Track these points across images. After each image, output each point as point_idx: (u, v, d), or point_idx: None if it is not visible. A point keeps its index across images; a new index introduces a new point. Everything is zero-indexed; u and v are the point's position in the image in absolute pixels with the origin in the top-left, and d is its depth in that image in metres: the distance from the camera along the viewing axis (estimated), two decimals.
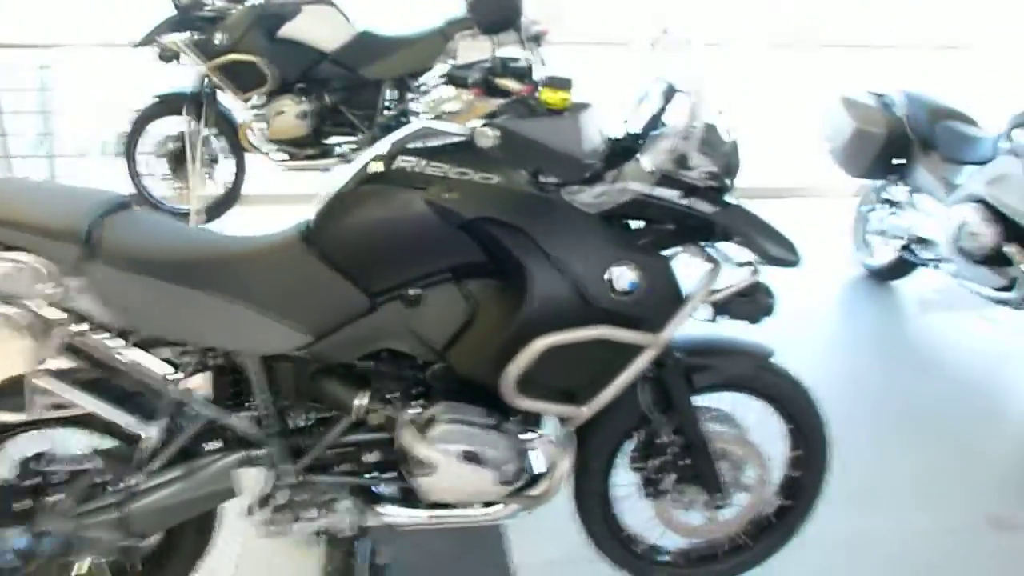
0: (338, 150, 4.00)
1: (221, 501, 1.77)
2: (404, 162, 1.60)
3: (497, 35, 3.49)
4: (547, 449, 1.71)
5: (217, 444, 1.77)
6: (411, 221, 1.59)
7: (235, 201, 4.14)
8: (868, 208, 4.29)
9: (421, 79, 3.98)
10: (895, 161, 3.94)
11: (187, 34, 3.72)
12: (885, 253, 4.25)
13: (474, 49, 3.77)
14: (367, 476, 1.79)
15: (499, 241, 1.58)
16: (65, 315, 1.59)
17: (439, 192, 1.57)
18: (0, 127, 5.71)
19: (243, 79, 3.73)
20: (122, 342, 1.64)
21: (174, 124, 4.05)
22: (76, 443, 1.80)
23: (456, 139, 1.64)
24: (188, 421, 1.71)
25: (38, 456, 1.78)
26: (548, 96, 1.59)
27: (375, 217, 1.60)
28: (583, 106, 1.61)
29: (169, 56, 3.72)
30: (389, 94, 3.93)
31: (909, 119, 3.82)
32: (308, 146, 3.91)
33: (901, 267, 4.17)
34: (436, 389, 1.71)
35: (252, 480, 1.74)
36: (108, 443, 1.79)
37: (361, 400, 1.66)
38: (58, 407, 1.63)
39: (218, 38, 3.65)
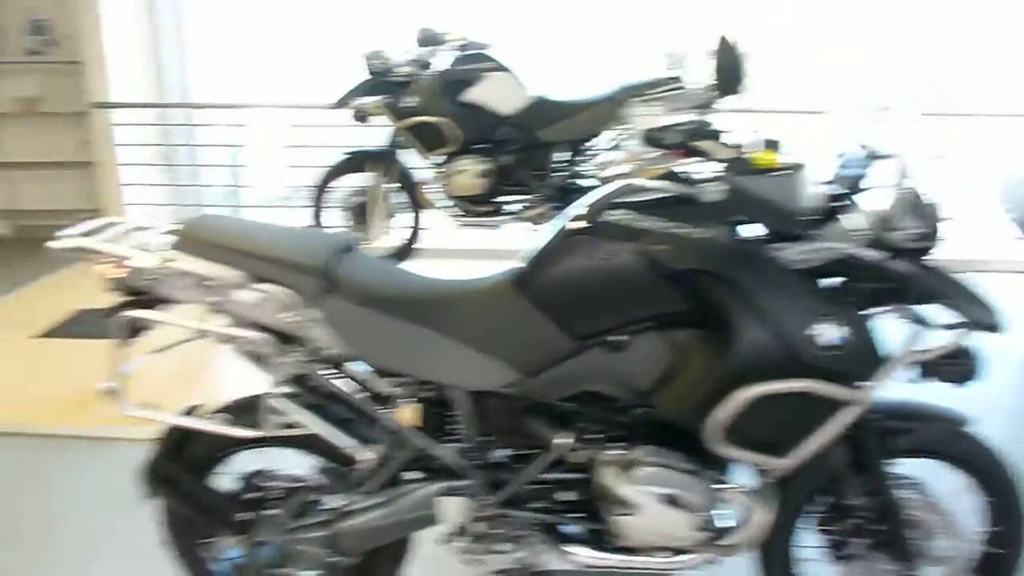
0: (509, 208, 4.19)
1: (421, 527, 1.88)
2: (613, 216, 1.70)
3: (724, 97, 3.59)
4: (743, 499, 1.74)
5: (416, 473, 1.88)
6: (620, 272, 1.68)
7: (410, 253, 4.40)
8: None
9: (592, 143, 4.13)
10: None
11: (380, 97, 4.03)
12: None
13: (645, 115, 3.89)
14: (559, 514, 1.86)
15: (707, 292, 1.64)
16: (299, 343, 1.78)
17: (648, 244, 1.66)
18: (196, 178, 6.33)
19: (428, 139, 3.99)
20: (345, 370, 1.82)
21: (359, 179, 4.37)
22: (289, 462, 1.97)
23: (661, 195, 1.73)
24: (399, 448, 1.84)
25: (258, 472, 1.96)
26: (760, 157, 1.66)
27: (585, 266, 1.71)
28: (798, 166, 1.67)
29: (363, 116, 4.04)
30: (560, 156, 4.10)
31: None
32: (482, 204, 4.12)
33: None
34: (635, 432, 1.78)
35: (454, 509, 1.84)
36: (322, 464, 1.95)
37: (563, 439, 1.75)
38: (287, 427, 1.80)
39: (409, 101, 3.95)
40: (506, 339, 1.75)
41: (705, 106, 3.93)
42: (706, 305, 1.66)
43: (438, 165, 4.09)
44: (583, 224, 1.74)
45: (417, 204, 4.29)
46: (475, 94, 3.99)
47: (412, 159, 4.27)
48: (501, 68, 4.01)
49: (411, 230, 4.35)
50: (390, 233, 4.32)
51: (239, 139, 6.15)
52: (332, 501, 1.90)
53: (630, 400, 1.75)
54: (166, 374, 1.96)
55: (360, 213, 4.31)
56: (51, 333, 4.23)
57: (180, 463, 1.91)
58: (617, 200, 1.73)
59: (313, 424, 1.77)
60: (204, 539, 2.01)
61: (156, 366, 1.91)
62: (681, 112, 3.95)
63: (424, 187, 4.18)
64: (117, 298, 1.82)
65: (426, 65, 4.06)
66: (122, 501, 2.69)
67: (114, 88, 5.44)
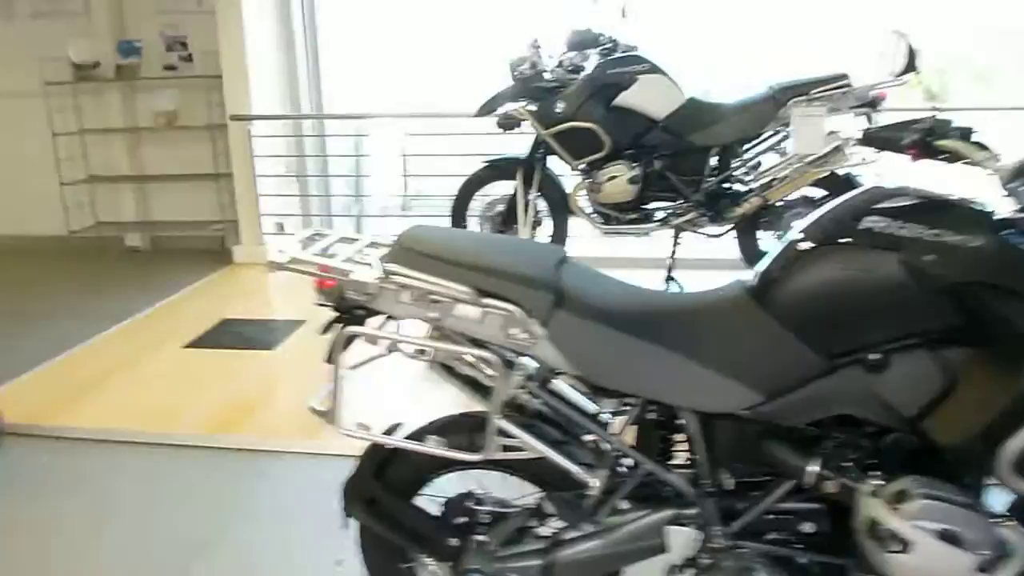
0: (657, 215, 4.04)
1: (644, 558, 1.76)
2: (872, 223, 1.54)
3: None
4: (1018, 535, 1.54)
5: (626, 500, 1.76)
6: (881, 283, 1.52)
7: None
8: None
9: (746, 146, 3.95)
10: None
11: (526, 103, 3.94)
12: None
13: (808, 115, 3.69)
14: (797, 547, 1.70)
15: (987, 306, 1.47)
16: (525, 361, 1.68)
17: (915, 254, 1.50)
18: (326, 188, 6.39)
19: (577, 145, 3.88)
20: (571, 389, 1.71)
21: (499, 188, 4.30)
22: (493, 485, 1.88)
23: (925, 200, 1.56)
24: (627, 474, 1.72)
25: (467, 495, 1.86)
26: None
27: (839, 279, 1.55)
28: None
29: (510, 124, 3.96)
30: (713, 161, 3.93)
31: None
32: (630, 211, 3.98)
33: None
34: (888, 459, 1.61)
35: (684, 539, 1.71)
36: (532, 489, 1.84)
37: (814, 466, 1.59)
38: (508, 449, 1.70)
39: (559, 107, 3.84)
40: (747, 358, 1.61)
41: (872, 105, 3.72)
42: (984, 320, 1.48)
43: (585, 172, 3.97)
44: (834, 233, 1.58)
45: (562, 212, 4.18)
46: (627, 98, 3.86)
47: (556, 167, 4.17)
48: (655, 70, 3.85)
49: (553, 238, 4.24)
50: None
51: (370, 148, 6.20)
52: (545, 528, 1.79)
53: (894, 424, 1.58)
54: (366, 391, 1.87)
55: (502, 223, 4.23)
56: (199, 343, 4.29)
57: (384, 484, 1.84)
58: (880, 206, 1.56)
59: (538, 448, 1.67)
60: (406, 563, 1.93)
61: (357, 383, 1.84)
62: (845, 112, 3.74)
63: (576, 194, 4.06)
64: (331, 313, 1.76)
65: (576, 69, 3.94)
66: (291, 514, 2.70)
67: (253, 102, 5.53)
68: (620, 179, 3.84)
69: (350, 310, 1.74)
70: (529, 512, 1.81)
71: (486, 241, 1.77)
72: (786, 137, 3.86)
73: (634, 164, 3.85)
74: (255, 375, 3.89)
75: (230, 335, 4.41)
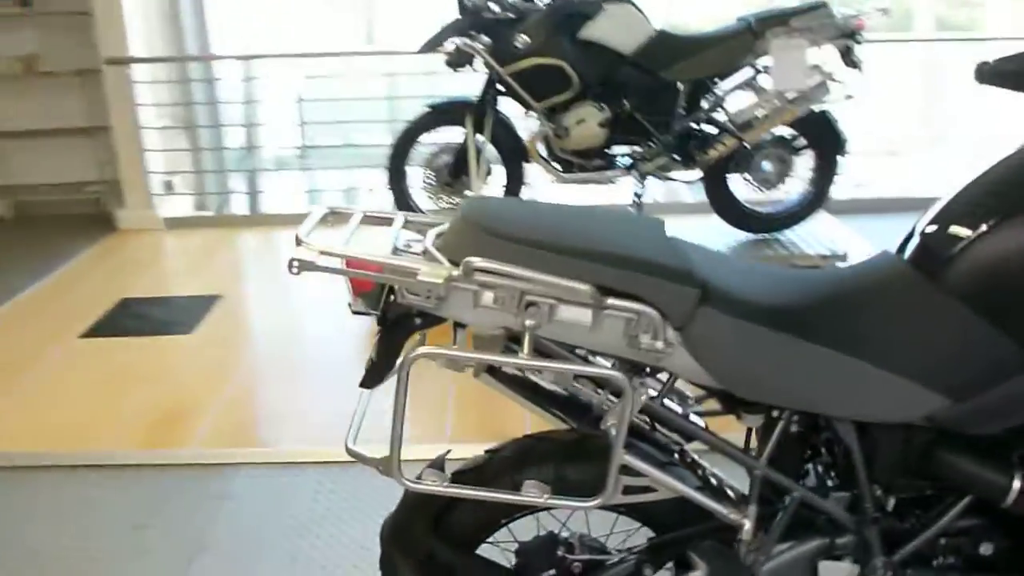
0: (623, 161, 3.68)
1: None
2: None
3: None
4: None
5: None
6: None
7: None
8: None
9: (720, 82, 3.62)
10: None
11: (478, 37, 3.45)
12: None
13: (789, 47, 3.39)
14: (972, 573, 1.42)
15: None
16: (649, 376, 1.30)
17: None
18: (219, 140, 5.69)
19: (541, 85, 3.44)
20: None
21: (445, 136, 3.82)
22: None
23: None
24: (772, 507, 1.38)
25: (550, 540, 1.49)
26: None
27: None
28: None
29: (460, 61, 3.47)
30: (683, 99, 3.58)
31: None
32: (595, 157, 3.60)
33: None
34: None
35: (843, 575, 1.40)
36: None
37: (1020, 481, 1.29)
38: (630, 491, 1.32)
39: (520, 41, 3.38)
40: (928, 354, 1.27)
41: (852, 35, 3.45)
42: None
43: (548, 115, 3.54)
44: None
45: (516, 161, 3.74)
46: (593, 30, 3.44)
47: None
48: None
49: (507, 189, 3.81)
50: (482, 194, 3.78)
51: (264, 94, 5.54)
52: (653, 571, 1.44)
53: None
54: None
55: (449, 174, 3.76)
56: (98, 331, 3.64)
57: (443, 535, 1.43)
58: None
59: (677, 487, 1.30)
60: None
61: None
62: (826, 43, 3.47)
63: (536, 141, 3.63)
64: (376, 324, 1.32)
65: None
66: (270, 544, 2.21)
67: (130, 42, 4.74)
68: (590, 123, 3.44)
69: (401, 318, 1.31)
70: (640, 559, 1.45)
71: (579, 217, 1.35)
72: (760, 72, 3.55)
73: (603, 105, 3.46)
74: (177, 368, 3.31)
75: (134, 319, 3.78)
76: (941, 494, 1.40)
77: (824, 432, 1.39)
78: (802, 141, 3.73)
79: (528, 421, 2.72)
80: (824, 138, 3.69)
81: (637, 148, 3.64)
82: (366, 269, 1.26)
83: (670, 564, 1.46)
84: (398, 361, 1.28)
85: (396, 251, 1.32)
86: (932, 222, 1.37)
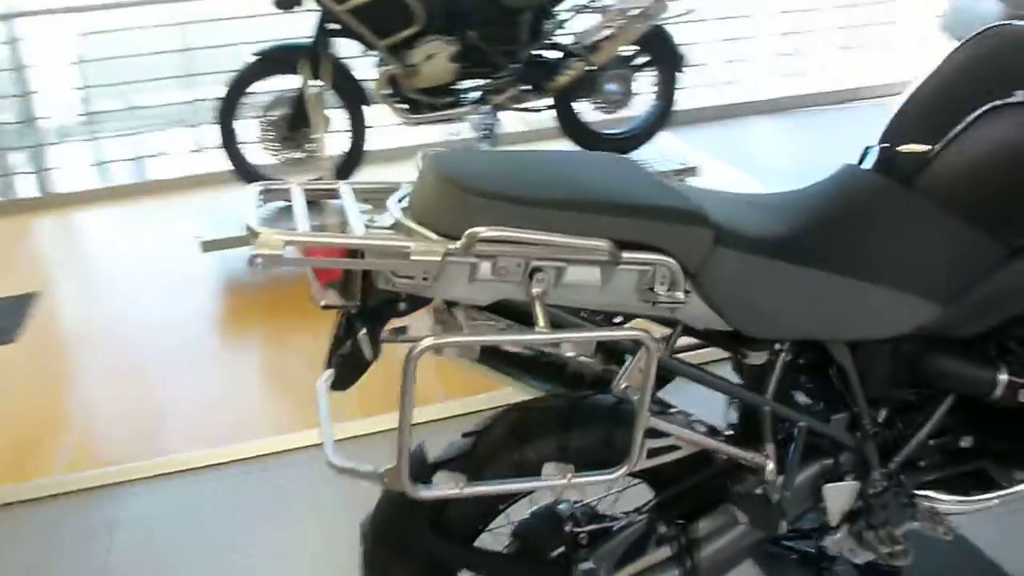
0: (471, 95, 3.51)
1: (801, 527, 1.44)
2: None
3: None
4: None
5: None
6: None
7: (359, 162, 3.61)
8: None
9: (558, 6, 3.51)
10: None
11: None
12: None
13: None
14: (954, 466, 1.47)
15: None
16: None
17: None
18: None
19: (383, 21, 3.18)
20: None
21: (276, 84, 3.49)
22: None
23: None
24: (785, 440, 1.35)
25: (549, 514, 1.39)
26: None
27: (1017, 141, 1.26)
28: None
29: (289, 2, 3.13)
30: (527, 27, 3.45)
31: None
32: (442, 94, 3.41)
33: None
34: None
35: (847, 495, 1.40)
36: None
37: (1004, 375, 1.33)
38: (654, 454, 1.24)
39: None
40: (917, 261, 1.27)
41: None
42: None
43: (391, 53, 3.28)
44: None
45: (358, 106, 3.48)
46: None
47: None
48: None
49: (352, 135, 3.54)
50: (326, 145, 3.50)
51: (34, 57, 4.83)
52: (666, 528, 1.38)
53: None
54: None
55: (288, 127, 3.44)
56: None
57: (443, 531, 1.30)
58: None
59: (704, 441, 1.23)
60: None
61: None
62: None
63: (384, 81, 3.37)
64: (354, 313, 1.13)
65: None
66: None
67: None
68: (440, 58, 3.23)
69: (383, 306, 1.13)
70: (652, 518, 1.38)
71: (560, 165, 1.21)
72: None
73: (450, 38, 3.26)
74: (7, 385, 2.85)
75: None
76: (925, 400, 1.42)
77: (819, 358, 1.36)
78: (643, 58, 3.72)
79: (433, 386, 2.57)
80: (664, 54, 3.70)
81: (483, 80, 3.49)
82: (338, 255, 1.06)
83: None
84: (381, 354, 1.11)
85: (372, 228, 1.13)
86: (897, 132, 1.36)
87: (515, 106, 3.57)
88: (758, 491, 1.30)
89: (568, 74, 3.49)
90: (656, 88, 3.81)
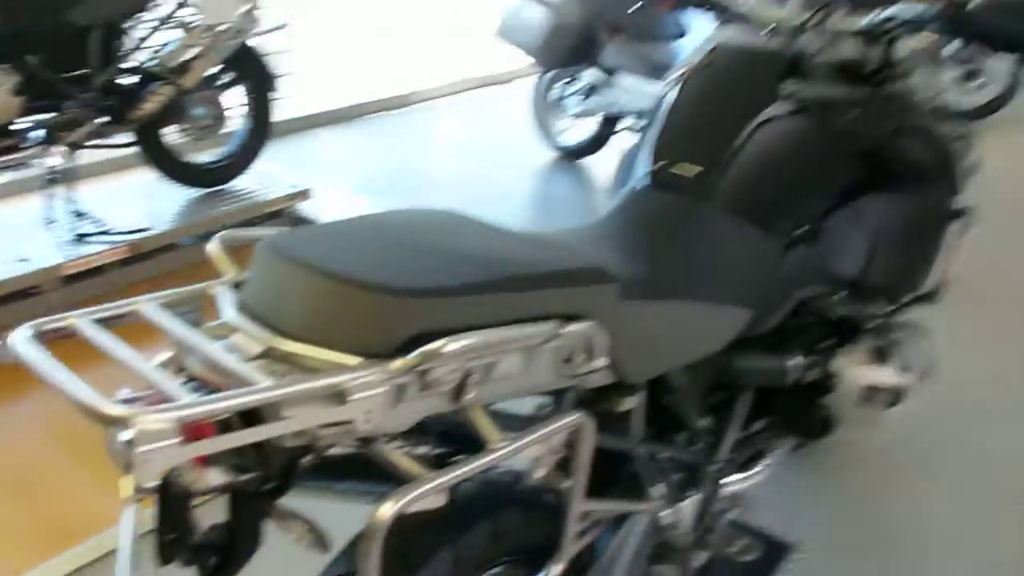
0: (35, 134, 2.85)
1: None
2: (789, 88, 1.41)
3: None
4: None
5: None
6: (815, 149, 1.43)
7: None
8: (559, 95, 4.63)
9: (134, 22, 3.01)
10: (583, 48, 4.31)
11: None
12: (582, 133, 4.69)
13: None
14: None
15: (899, 149, 1.50)
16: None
17: (839, 114, 1.44)
18: None
19: None
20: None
21: None
22: None
23: (836, 60, 1.48)
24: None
25: None
26: None
27: (780, 151, 1.40)
28: None
29: None
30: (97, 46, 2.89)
31: (602, 6, 4.18)
32: (2, 136, 2.71)
33: (598, 143, 4.67)
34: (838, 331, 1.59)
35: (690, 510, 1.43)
36: None
37: (797, 360, 1.48)
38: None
39: None
40: (731, 273, 1.35)
41: None
42: (885, 162, 1.51)
43: None
44: (767, 100, 1.40)
45: None
46: None
47: None
48: None
49: None
50: None
51: None
52: None
53: (840, 292, 1.54)
54: None
55: None
56: None
57: None
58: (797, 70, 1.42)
59: (637, 507, 1.17)
60: None
61: None
62: None
63: None
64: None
65: None
66: None
67: None
68: (2, 91, 2.54)
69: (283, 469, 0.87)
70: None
71: (409, 231, 1.00)
72: (182, 6, 3.06)
73: (6, 67, 2.58)
74: None
75: None
76: (730, 399, 1.52)
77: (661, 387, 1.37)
78: (230, 76, 3.39)
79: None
80: (253, 72, 3.41)
81: (49, 115, 2.85)
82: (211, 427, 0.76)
83: None
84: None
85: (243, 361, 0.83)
86: (667, 151, 1.40)
87: (93, 142, 2.99)
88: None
89: (154, 100, 3.02)
90: (248, 109, 3.50)
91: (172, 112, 3.19)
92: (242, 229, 1.08)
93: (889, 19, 1.48)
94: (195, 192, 3.42)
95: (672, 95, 1.51)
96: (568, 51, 4.25)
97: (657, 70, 4.13)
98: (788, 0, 1.65)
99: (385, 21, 6.62)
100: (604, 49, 4.27)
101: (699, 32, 3.87)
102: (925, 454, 2.22)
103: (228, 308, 0.91)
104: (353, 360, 0.82)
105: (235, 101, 3.46)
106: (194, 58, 3.07)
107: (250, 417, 0.77)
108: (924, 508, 2.04)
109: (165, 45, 3.09)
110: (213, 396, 0.73)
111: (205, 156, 3.50)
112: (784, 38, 1.60)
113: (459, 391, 0.89)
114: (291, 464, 0.85)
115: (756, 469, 1.67)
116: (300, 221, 3.52)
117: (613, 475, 1.30)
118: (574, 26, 4.17)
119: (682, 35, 4.19)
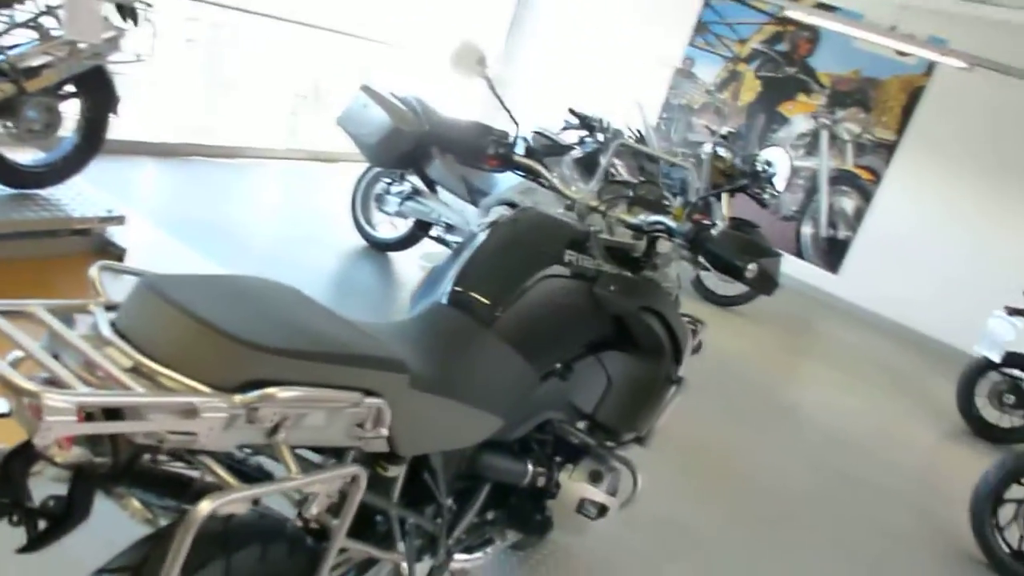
0: None
1: None
2: (572, 256, 1.83)
3: None
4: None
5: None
6: (581, 307, 1.84)
7: None
8: (380, 191, 4.97)
9: None
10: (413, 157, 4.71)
11: None
12: (392, 229, 5.03)
13: None
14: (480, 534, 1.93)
15: (639, 321, 1.94)
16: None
17: (605, 284, 1.86)
18: None
19: None
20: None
21: None
22: None
23: (612, 243, 1.93)
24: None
25: None
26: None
27: (555, 302, 1.80)
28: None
29: None
30: None
31: (431, 124, 4.61)
32: None
33: (406, 242, 5.02)
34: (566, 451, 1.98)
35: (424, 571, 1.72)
36: None
37: (531, 466, 1.84)
38: None
39: None
40: (494, 386, 1.70)
41: None
42: (630, 329, 1.94)
43: None
44: (554, 260, 1.80)
45: None
46: None
47: None
48: None
49: None
50: None
51: None
52: None
53: (577, 420, 1.93)
54: None
55: None
56: None
57: None
58: (582, 244, 1.84)
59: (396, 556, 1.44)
60: None
61: None
62: None
63: None
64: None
65: None
66: None
67: None
68: None
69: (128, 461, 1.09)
70: None
71: (263, 298, 1.26)
72: (46, 13, 3.11)
73: None
74: None
75: None
76: (472, 488, 1.84)
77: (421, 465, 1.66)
78: (71, 89, 3.42)
79: None
80: (98, 93, 3.47)
81: None
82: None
83: None
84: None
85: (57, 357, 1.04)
86: (468, 281, 1.75)
87: None
88: None
89: None
90: (83, 122, 3.53)
91: (6, 108, 3.18)
92: (117, 263, 1.29)
93: (656, 223, 1.96)
94: (1, 191, 3.38)
95: (482, 236, 1.87)
96: (399, 156, 4.62)
97: (474, 194, 4.58)
98: (587, 183, 2.11)
99: (239, 73, 6.74)
100: (432, 162, 4.68)
101: (515, 175, 4.40)
102: (608, 568, 2.65)
103: (104, 325, 1.12)
104: (203, 388, 1.06)
105: (74, 112, 3.49)
106: (44, 65, 3.12)
107: (113, 414, 0.99)
108: None
109: (17, 45, 3.11)
110: (104, 391, 0.95)
111: (25, 157, 3.47)
112: (577, 215, 2.04)
113: (274, 430, 1.14)
114: (133, 458, 1.06)
115: (480, 554, 1.98)
116: (107, 244, 3.55)
117: (370, 527, 1.56)
118: (411, 135, 4.55)
119: (499, 171, 4.70)
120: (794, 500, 3.55)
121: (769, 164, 6.01)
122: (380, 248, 5.11)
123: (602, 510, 1.95)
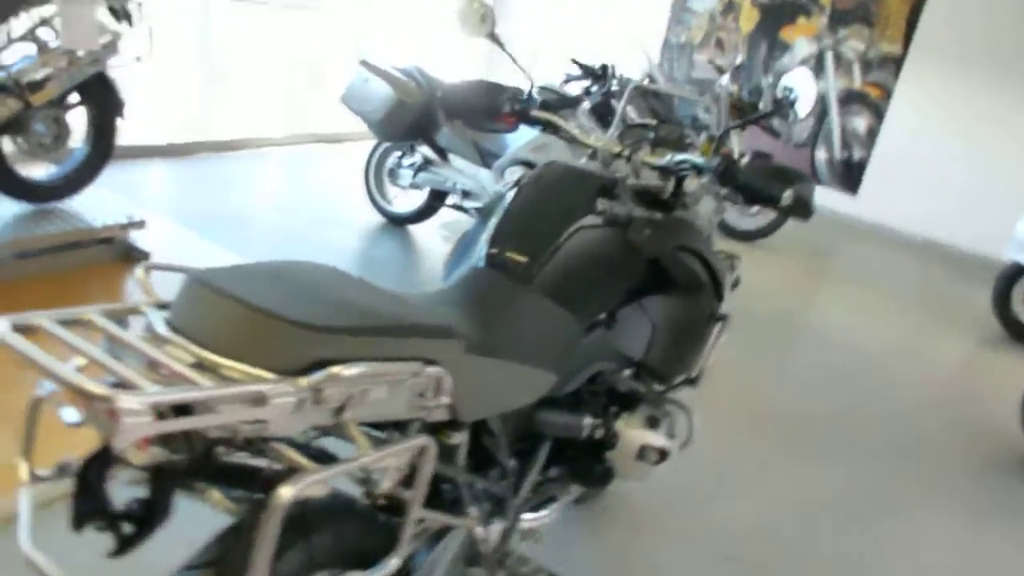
0: None
1: None
2: (603, 204, 1.81)
3: None
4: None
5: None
6: (617, 255, 1.83)
7: None
8: (392, 165, 4.95)
9: None
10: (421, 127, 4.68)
11: None
12: (408, 202, 5.01)
13: (78, 3, 3.06)
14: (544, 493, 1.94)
15: (679, 262, 1.92)
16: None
17: (638, 229, 1.84)
18: None
19: None
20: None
21: None
22: None
23: (640, 187, 1.91)
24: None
25: None
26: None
27: (591, 253, 1.78)
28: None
29: None
30: None
31: (434, 91, 4.57)
32: None
33: (423, 214, 5.01)
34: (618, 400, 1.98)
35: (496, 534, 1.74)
36: None
37: (589, 419, 1.84)
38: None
39: None
40: (544, 342, 1.70)
41: None
42: (669, 272, 1.92)
43: None
44: (586, 210, 1.78)
45: None
46: None
47: None
48: None
49: None
50: None
51: None
52: None
53: (627, 368, 1.93)
54: None
55: None
56: None
57: None
58: (612, 190, 1.82)
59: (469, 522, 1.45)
60: None
61: None
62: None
63: None
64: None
65: None
66: None
67: None
68: None
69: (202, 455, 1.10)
70: None
71: (314, 279, 1.26)
72: (42, 25, 3.10)
73: None
74: None
75: None
76: (533, 446, 1.85)
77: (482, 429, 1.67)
78: (75, 98, 3.42)
79: None
80: (103, 99, 3.47)
81: None
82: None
83: None
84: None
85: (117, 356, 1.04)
86: (502, 240, 1.73)
87: None
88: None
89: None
90: (92, 131, 3.53)
91: (13, 124, 3.19)
92: (161, 263, 1.29)
93: (681, 161, 1.93)
94: (21, 208, 3.39)
95: (510, 196, 1.86)
96: (406, 128, 4.59)
97: (485, 157, 4.55)
98: (606, 132, 2.08)
99: (233, 63, 6.71)
100: (440, 131, 4.65)
101: (526, 132, 4.37)
102: (667, 510, 2.67)
103: (160, 324, 1.12)
104: (267, 375, 1.06)
105: (80, 121, 3.49)
106: (47, 78, 3.11)
107: (183, 410, 0.99)
108: (658, 560, 2.47)
109: (19, 60, 3.10)
110: (174, 388, 0.95)
111: (39, 172, 3.48)
112: (600, 163, 2.02)
113: (340, 409, 1.15)
114: (208, 452, 1.07)
115: (546, 511, 2.00)
116: (130, 250, 3.56)
117: (437, 496, 1.58)
118: (415, 106, 4.51)
119: (511, 131, 4.66)
120: (839, 424, 3.54)
121: (790, 90, 5.92)
122: (398, 223, 5.10)
123: (662, 455, 1.95)
